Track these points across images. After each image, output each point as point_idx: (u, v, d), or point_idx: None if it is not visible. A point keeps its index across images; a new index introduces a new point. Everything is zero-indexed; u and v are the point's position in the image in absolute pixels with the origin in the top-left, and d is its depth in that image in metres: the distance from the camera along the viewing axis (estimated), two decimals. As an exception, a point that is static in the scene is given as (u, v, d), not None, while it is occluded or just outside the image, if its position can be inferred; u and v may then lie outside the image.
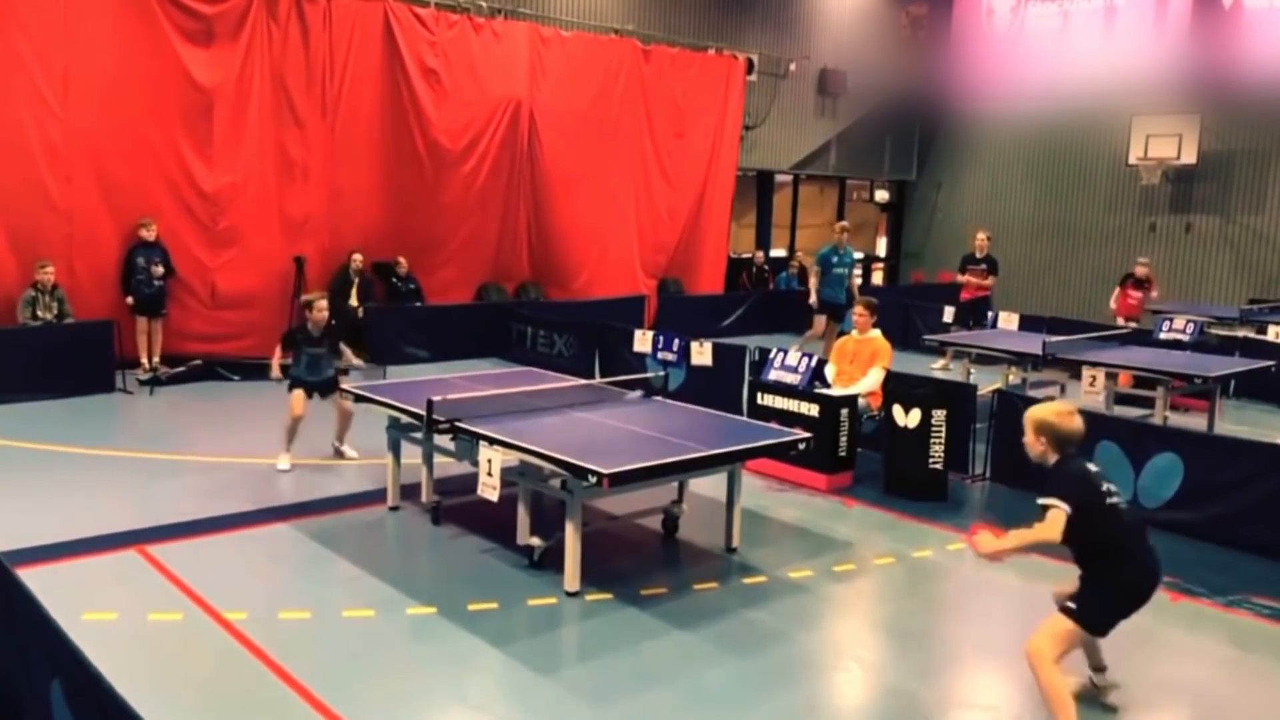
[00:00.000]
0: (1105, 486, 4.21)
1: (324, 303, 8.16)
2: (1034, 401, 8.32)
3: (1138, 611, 4.27)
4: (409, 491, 6.96)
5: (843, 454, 7.88)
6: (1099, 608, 4.20)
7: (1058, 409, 4.34)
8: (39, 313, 10.36)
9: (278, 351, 8.22)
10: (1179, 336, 12.01)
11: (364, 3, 12.84)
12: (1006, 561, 4.41)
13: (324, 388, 8.12)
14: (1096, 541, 4.18)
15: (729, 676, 4.80)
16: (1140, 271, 14.58)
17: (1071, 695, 4.18)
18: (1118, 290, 14.75)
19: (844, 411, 7.89)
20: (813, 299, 12.97)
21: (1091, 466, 4.29)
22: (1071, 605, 4.21)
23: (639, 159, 16.06)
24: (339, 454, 8.30)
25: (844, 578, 6.14)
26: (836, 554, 6.51)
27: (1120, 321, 14.14)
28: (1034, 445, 4.32)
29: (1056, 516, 4.04)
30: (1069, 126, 19.01)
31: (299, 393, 7.95)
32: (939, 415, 7.61)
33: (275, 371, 8.20)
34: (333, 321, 8.28)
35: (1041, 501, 4.12)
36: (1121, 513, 4.23)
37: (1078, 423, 4.28)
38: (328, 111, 12.63)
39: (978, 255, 14.01)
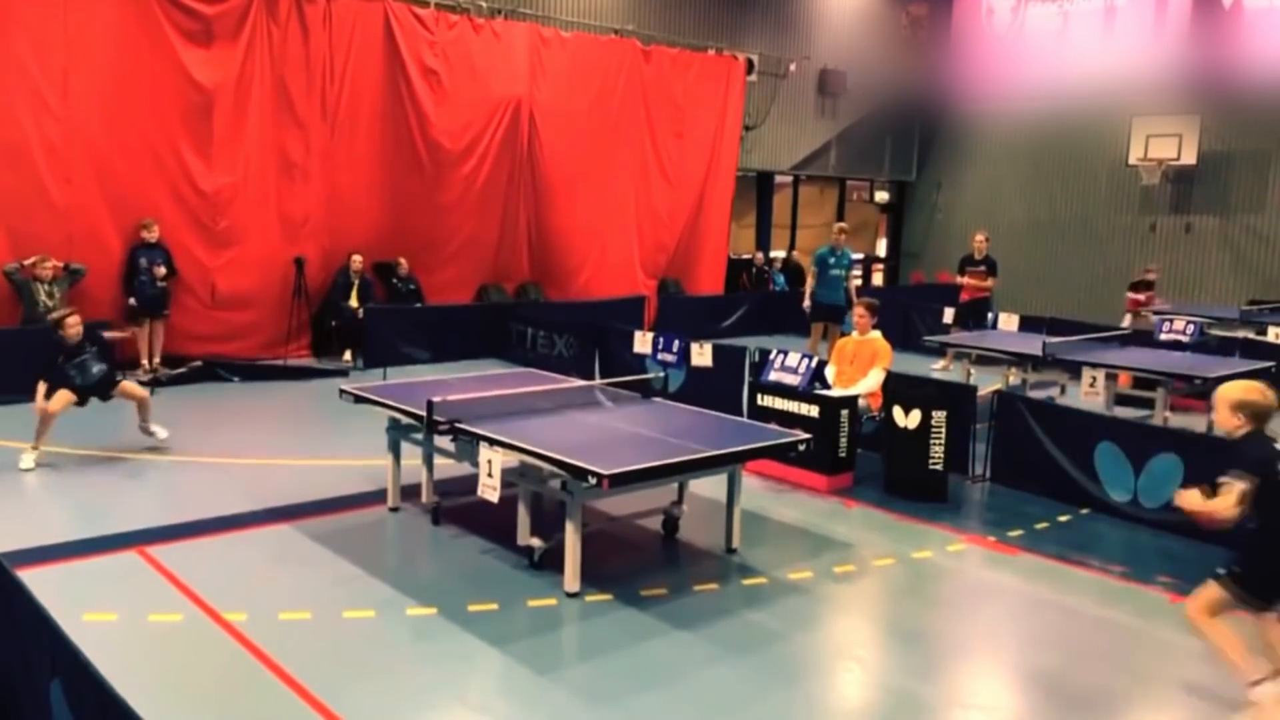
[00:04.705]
0: None
1: (75, 319, 8.01)
2: (1035, 402, 8.42)
3: None
4: (409, 492, 6.96)
5: (843, 455, 7.88)
6: (1255, 582, 4.41)
7: (1247, 386, 4.59)
8: (43, 299, 10.34)
9: (41, 389, 7.80)
10: (1179, 337, 12.02)
11: (364, 3, 12.84)
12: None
13: (99, 389, 8.04)
14: (1265, 520, 4.37)
15: (729, 677, 4.80)
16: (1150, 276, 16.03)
17: (1238, 639, 4.46)
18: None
19: (844, 412, 7.88)
20: (806, 302, 12.90)
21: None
22: (1229, 570, 4.43)
23: (639, 159, 16.06)
24: (148, 433, 8.26)
25: (844, 579, 6.15)
26: (836, 555, 6.51)
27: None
28: (1228, 421, 4.54)
29: (1230, 491, 4.32)
30: (1069, 127, 19.00)
31: (63, 391, 7.77)
32: (939, 416, 7.61)
33: (40, 404, 7.75)
34: (97, 339, 8.14)
35: (1221, 479, 4.37)
36: None
37: (1271, 397, 4.54)
38: (328, 112, 12.63)
39: (976, 256, 14.00)
